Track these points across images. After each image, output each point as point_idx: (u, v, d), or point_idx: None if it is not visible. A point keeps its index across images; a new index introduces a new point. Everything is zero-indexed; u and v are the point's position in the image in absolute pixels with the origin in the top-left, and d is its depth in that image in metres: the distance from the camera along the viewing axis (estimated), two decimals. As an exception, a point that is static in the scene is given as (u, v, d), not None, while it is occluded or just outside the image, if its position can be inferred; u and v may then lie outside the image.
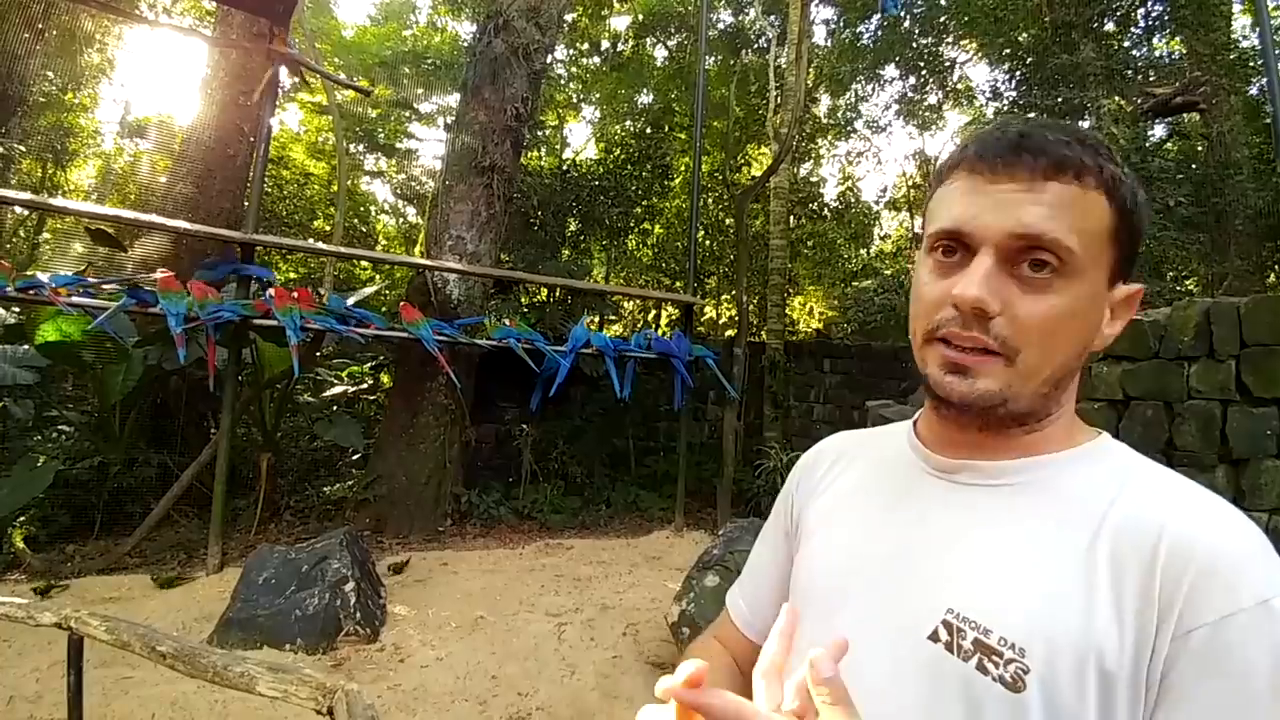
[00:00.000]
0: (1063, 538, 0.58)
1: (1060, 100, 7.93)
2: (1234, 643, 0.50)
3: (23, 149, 9.84)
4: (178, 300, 4.30)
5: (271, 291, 4.77)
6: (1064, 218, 0.58)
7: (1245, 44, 8.86)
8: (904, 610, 0.62)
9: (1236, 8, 9.49)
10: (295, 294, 4.86)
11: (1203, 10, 8.35)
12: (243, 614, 3.51)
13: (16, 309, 5.46)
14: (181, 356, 4.31)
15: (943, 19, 10.59)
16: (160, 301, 4.27)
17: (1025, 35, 9.22)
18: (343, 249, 7.73)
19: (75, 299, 4.28)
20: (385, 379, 8.16)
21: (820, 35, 12.73)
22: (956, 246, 0.61)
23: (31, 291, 4.11)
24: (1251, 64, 8.29)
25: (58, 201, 6.27)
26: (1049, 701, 0.53)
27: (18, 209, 8.68)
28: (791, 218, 11.03)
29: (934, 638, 0.59)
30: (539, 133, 12.16)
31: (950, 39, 11.28)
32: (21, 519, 4.87)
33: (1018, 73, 9.19)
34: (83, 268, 6.26)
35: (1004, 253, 0.58)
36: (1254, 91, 9.00)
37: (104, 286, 4.75)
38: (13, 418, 5.58)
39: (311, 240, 10.86)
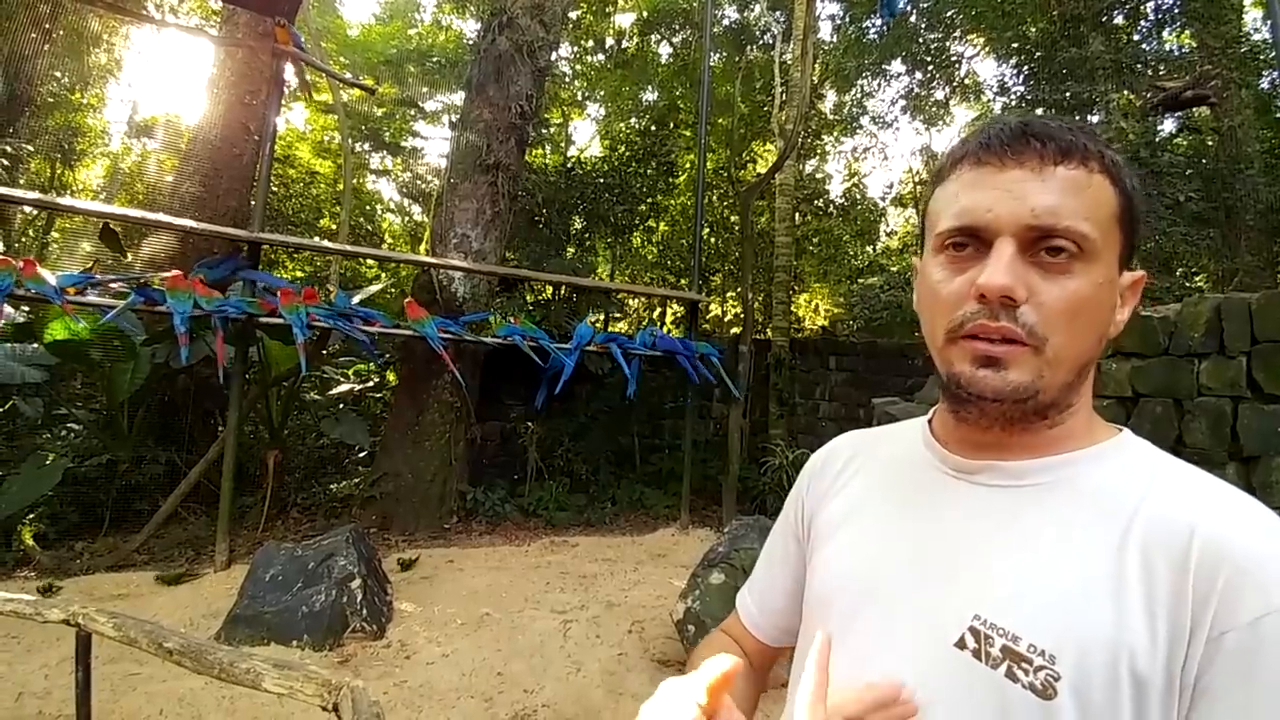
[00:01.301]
0: (1090, 538, 0.57)
1: (1069, 95, 7.87)
2: (1268, 645, 0.49)
3: (31, 149, 9.88)
4: (184, 299, 4.32)
5: (278, 293, 4.79)
6: (1076, 202, 0.58)
7: (1257, 37, 8.79)
8: (929, 617, 0.61)
9: (1247, 0, 9.42)
10: (302, 293, 4.88)
11: (1213, 3, 8.27)
12: (250, 611, 3.53)
13: (25, 308, 5.49)
14: (185, 356, 4.33)
15: (950, 13, 10.52)
16: (168, 300, 4.30)
17: (1033, 29, 9.17)
18: (348, 247, 7.77)
19: (84, 298, 4.30)
20: (391, 377, 8.18)
21: (826, 31, 12.72)
22: (968, 241, 0.61)
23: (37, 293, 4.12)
24: (1263, 57, 8.21)
25: (66, 201, 6.29)
26: (1082, 708, 0.52)
27: (26, 208, 8.73)
28: (797, 214, 11.01)
29: (961, 645, 0.58)
30: (543, 130, 12.15)
31: (957, 33, 11.20)
32: (31, 516, 4.91)
33: (1026, 67, 9.12)
34: (89, 265, 6.29)
35: (1022, 240, 0.58)
36: (1265, 85, 8.93)
37: (112, 285, 4.78)
38: (22, 416, 5.61)
39: (317, 239, 10.89)
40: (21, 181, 9.31)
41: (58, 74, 10.25)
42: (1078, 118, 8.59)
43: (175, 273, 4.43)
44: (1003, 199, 0.58)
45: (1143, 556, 0.54)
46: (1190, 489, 0.58)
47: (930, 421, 0.73)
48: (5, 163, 8.36)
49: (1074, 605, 0.54)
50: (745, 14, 12.47)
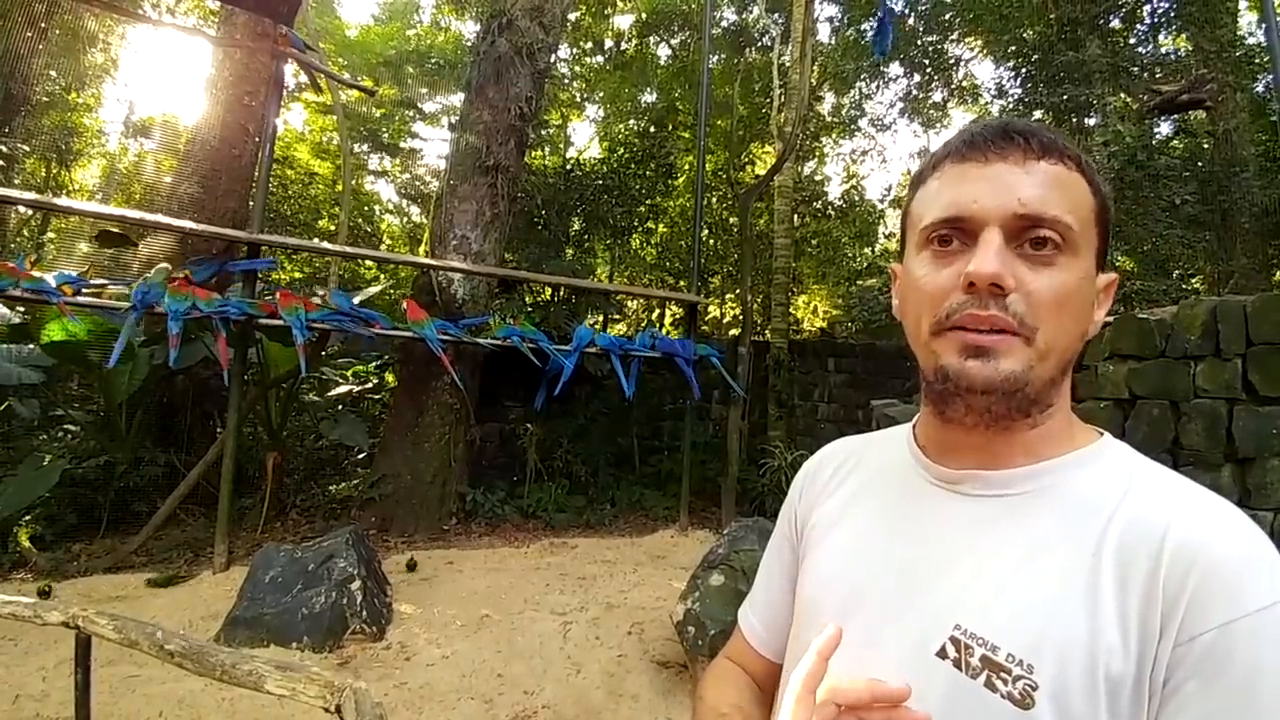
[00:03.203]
0: (1068, 547, 0.57)
1: (1066, 97, 7.89)
2: (1237, 649, 0.49)
3: (26, 148, 9.86)
4: (183, 300, 4.33)
5: (277, 295, 4.80)
6: (1059, 195, 0.59)
7: (1251, 40, 8.83)
8: (911, 627, 0.61)
9: (1242, 4, 9.45)
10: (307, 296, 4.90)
11: (1208, 7, 8.31)
12: (249, 612, 3.53)
13: (22, 309, 5.48)
14: (174, 358, 4.32)
15: (947, 16, 10.55)
16: (166, 300, 4.30)
17: (1031, 32, 9.18)
18: (348, 249, 7.73)
19: (80, 299, 4.29)
20: (390, 378, 8.17)
21: (824, 33, 12.73)
22: (953, 235, 0.61)
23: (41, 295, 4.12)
24: (1258, 61, 8.25)
25: (62, 201, 6.28)
26: (1060, 716, 0.53)
27: (22, 209, 8.71)
28: (796, 216, 11.02)
29: (942, 655, 0.58)
30: (543, 132, 12.16)
31: (955, 36, 11.24)
32: (27, 518, 4.89)
33: (1023, 70, 9.14)
34: (85, 269, 6.27)
35: (1008, 231, 0.58)
36: (1260, 89, 8.96)
37: (109, 288, 4.77)
38: (19, 417, 5.60)
39: (316, 240, 10.87)
40: (17, 181, 9.29)
41: (53, 73, 10.23)
42: (1075, 120, 8.64)
43: (180, 278, 4.45)
44: (989, 190, 0.59)
45: (1117, 560, 0.55)
46: (1165, 494, 0.59)
47: (914, 428, 0.73)
48: (1, 163, 8.34)
49: (1051, 615, 0.55)
50: (744, 16, 12.49)
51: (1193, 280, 9.02)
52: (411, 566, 4.80)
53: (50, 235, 11.17)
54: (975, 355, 0.58)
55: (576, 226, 10.16)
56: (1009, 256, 0.58)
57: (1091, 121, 8.30)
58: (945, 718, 0.56)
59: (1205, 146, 9.11)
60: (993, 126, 0.62)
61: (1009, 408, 0.60)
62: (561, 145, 13.99)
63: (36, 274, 4.08)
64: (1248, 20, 9.91)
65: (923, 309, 0.62)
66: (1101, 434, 0.66)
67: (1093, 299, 0.62)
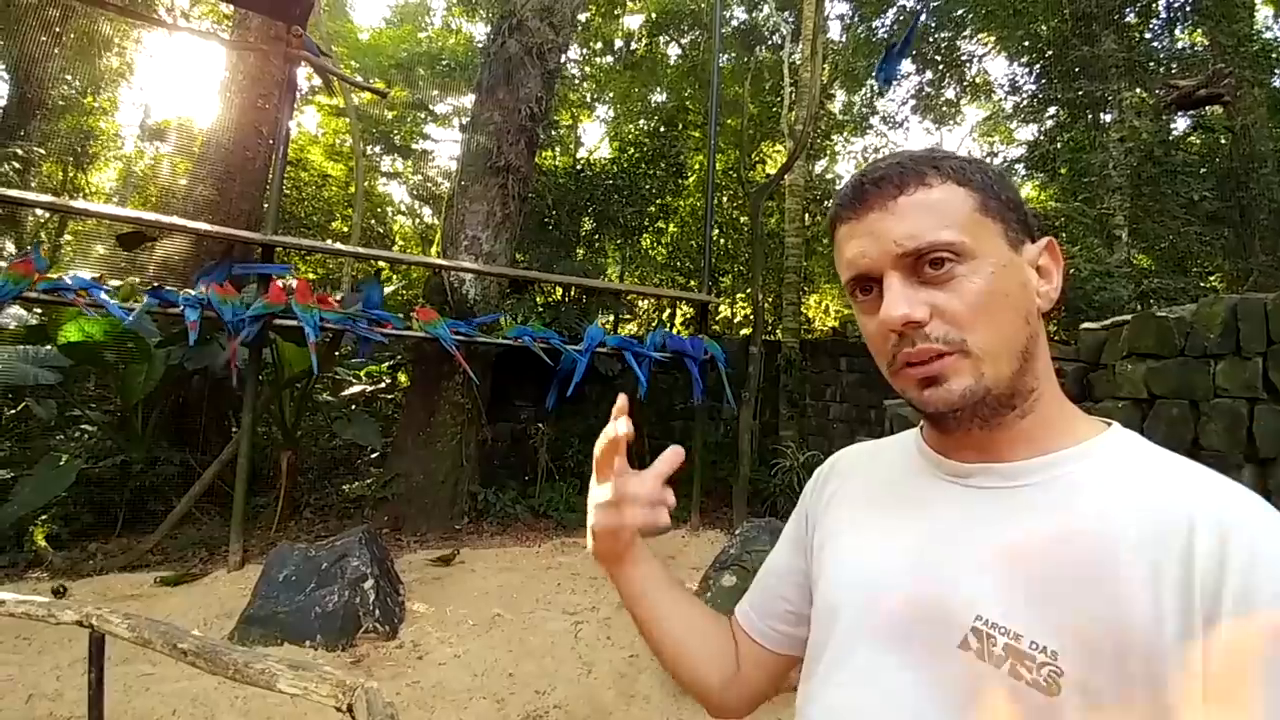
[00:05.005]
0: (1087, 534, 0.58)
1: (1081, 93, 7.82)
2: None
3: (42, 151, 9.96)
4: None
5: (294, 283, 4.84)
6: (928, 218, 0.62)
7: (1268, 35, 8.72)
8: (932, 620, 0.61)
9: (1259, -2, 9.34)
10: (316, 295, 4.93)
11: (1224, 1, 8.21)
12: (263, 611, 3.55)
13: (39, 310, 5.53)
14: (193, 339, 4.40)
15: (960, 12, 10.47)
16: (178, 299, 4.34)
17: (1045, 27, 9.10)
18: (360, 249, 7.78)
19: (97, 300, 4.34)
20: (403, 378, 8.20)
21: (835, 31, 12.67)
22: (868, 284, 0.66)
23: (56, 293, 4.17)
24: (1275, 55, 8.14)
25: (79, 204, 6.36)
26: (1088, 701, 0.53)
27: (39, 211, 8.81)
28: (807, 215, 10.97)
29: (964, 646, 0.59)
30: (553, 132, 12.17)
31: (968, 32, 11.15)
32: (44, 517, 4.94)
33: (1037, 66, 9.07)
34: (98, 274, 6.33)
35: (902, 269, 0.62)
36: (1277, 84, 8.84)
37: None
38: (36, 417, 5.66)
39: (330, 241, 10.94)
40: (33, 184, 9.38)
41: (69, 77, 10.33)
42: (1090, 116, 8.56)
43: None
44: (869, 242, 0.64)
45: (1140, 549, 0.55)
46: (1181, 479, 0.59)
47: (922, 429, 0.75)
48: (17, 165, 8.42)
49: (1073, 602, 0.55)
50: (754, 14, 12.47)
51: (1211, 278, 8.91)
52: (447, 561, 4.87)
53: (67, 238, 11.28)
54: (929, 385, 0.62)
55: (587, 226, 10.16)
56: (914, 290, 0.62)
57: (1107, 117, 8.22)
58: (972, 708, 0.57)
59: (1223, 142, 8.99)
60: (854, 183, 0.67)
61: (987, 410, 0.63)
62: (572, 145, 14.00)
63: (53, 275, 4.14)
64: (1264, 14, 9.80)
65: (876, 353, 0.67)
66: (1109, 424, 0.66)
67: (1021, 279, 0.64)
